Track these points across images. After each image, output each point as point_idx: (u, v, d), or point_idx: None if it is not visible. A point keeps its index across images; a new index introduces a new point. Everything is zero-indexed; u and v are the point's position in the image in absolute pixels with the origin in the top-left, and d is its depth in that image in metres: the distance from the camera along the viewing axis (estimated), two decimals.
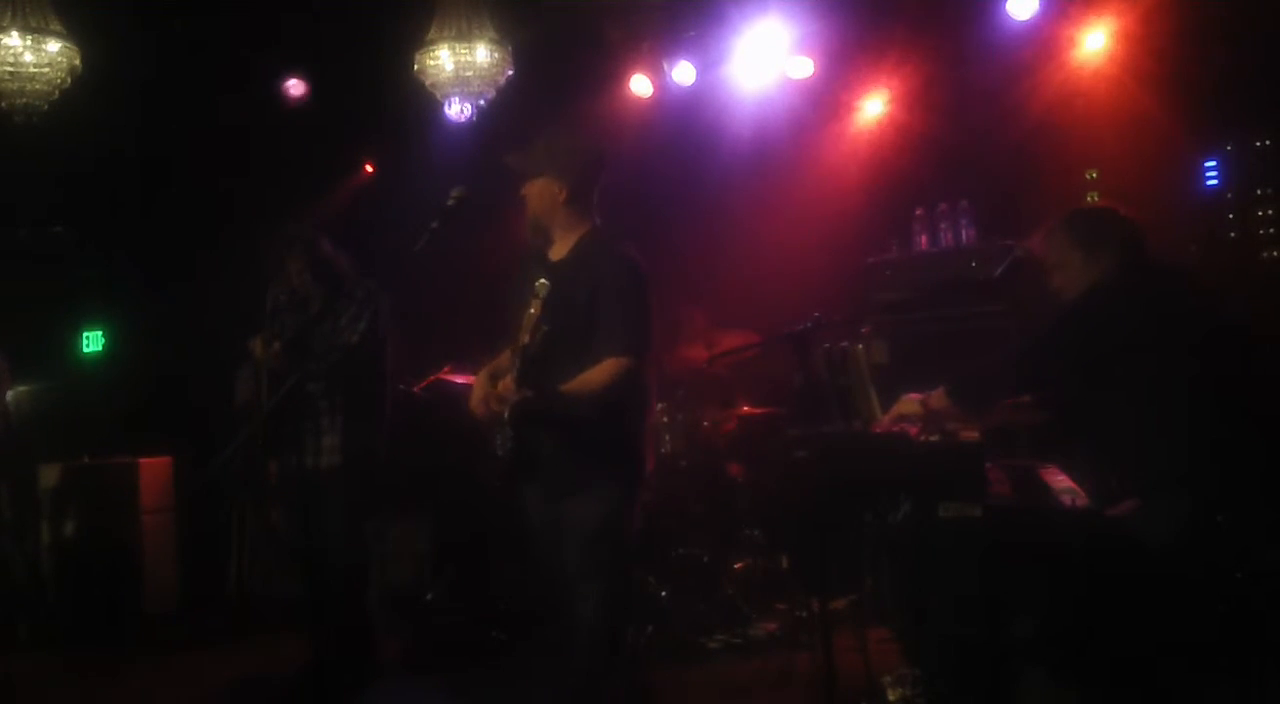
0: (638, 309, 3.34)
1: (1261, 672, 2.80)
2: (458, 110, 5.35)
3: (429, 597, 5.62)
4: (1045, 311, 3.41)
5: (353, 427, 4.47)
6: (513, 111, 5.55)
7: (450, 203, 3.68)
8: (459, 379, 5.48)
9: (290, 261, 4.57)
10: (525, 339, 3.18)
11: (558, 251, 3.49)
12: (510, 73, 5.27)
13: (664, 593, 5.13)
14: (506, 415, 3.26)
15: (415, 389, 5.51)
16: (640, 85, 6.70)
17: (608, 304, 3.31)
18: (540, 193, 3.46)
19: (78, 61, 4.89)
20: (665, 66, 6.58)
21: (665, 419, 5.59)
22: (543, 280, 3.22)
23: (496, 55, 5.18)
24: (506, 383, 3.26)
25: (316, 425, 4.45)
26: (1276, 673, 2.84)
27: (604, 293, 3.32)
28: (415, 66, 5.22)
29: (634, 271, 3.38)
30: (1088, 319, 3.19)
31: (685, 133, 6.56)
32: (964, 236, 5.59)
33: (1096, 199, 5.08)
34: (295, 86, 6.80)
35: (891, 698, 3.71)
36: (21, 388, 6.32)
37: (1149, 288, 3.21)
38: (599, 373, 3.27)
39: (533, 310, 3.18)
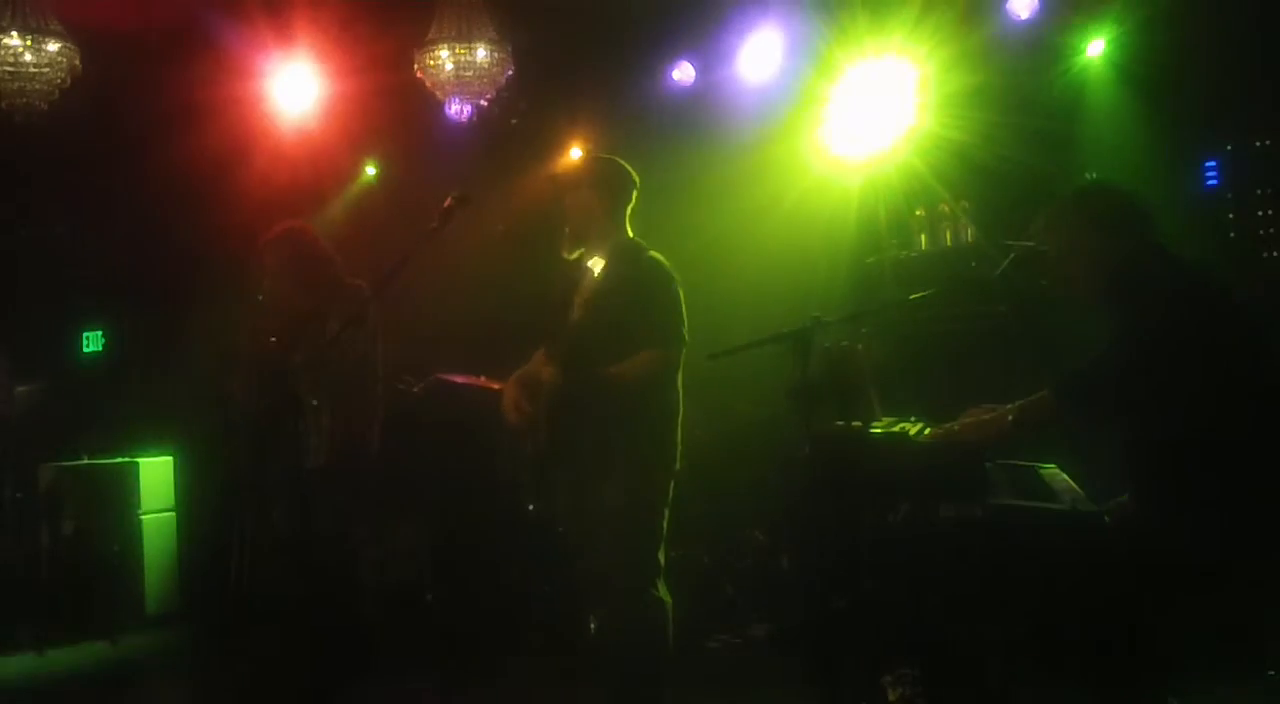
0: (670, 308, 3.58)
1: (1259, 672, 2.80)
2: (457, 110, 5.36)
3: (429, 597, 5.62)
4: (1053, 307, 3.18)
5: (339, 428, 4.46)
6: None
7: (449, 203, 3.70)
8: (459, 379, 5.48)
9: (284, 261, 4.58)
10: (567, 332, 3.50)
11: (595, 260, 3.71)
12: (510, 73, 5.28)
13: None
14: (547, 400, 3.49)
15: (414, 389, 5.50)
16: (640, 84, 6.70)
17: (642, 304, 3.54)
18: (579, 206, 3.70)
19: (78, 61, 4.90)
20: (665, 66, 6.58)
21: None
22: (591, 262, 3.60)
23: (496, 55, 5.18)
24: (548, 370, 3.51)
25: (305, 425, 4.45)
26: (1273, 673, 2.84)
27: (638, 294, 3.54)
28: (415, 66, 5.22)
29: (665, 274, 3.62)
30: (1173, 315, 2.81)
31: (685, 133, 6.55)
32: (964, 236, 5.59)
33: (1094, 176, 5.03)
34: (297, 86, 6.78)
35: (891, 698, 3.70)
36: (21, 388, 6.32)
37: (1201, 288, 2.90)
38: (636, 362, 3.48)
39: (574, 310, 3.50)
